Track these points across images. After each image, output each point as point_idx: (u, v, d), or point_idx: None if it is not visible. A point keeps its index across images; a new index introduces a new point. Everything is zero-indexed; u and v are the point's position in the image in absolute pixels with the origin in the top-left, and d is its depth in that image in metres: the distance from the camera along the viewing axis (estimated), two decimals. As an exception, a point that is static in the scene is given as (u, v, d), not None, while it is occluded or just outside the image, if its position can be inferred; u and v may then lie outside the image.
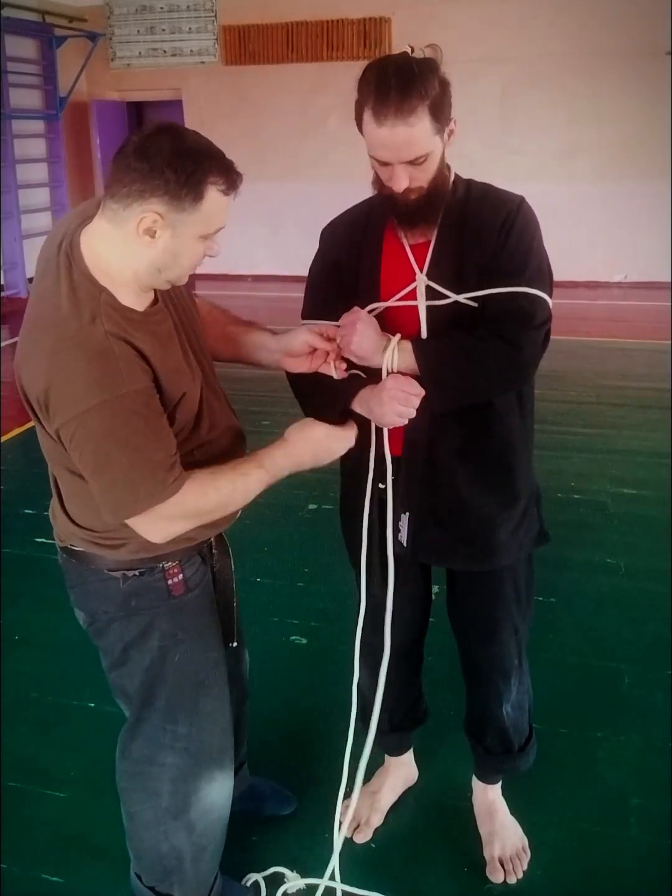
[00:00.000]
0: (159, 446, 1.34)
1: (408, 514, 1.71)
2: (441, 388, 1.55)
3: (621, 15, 8.07)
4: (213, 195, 1.28)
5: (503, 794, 2.06)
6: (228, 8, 9.05)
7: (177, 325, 1.45)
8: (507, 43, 8.43)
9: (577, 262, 8.64)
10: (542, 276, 1.56)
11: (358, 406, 1.58)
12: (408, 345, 1.55)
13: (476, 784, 2.07)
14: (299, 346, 1.60)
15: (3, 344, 7.02)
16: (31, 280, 7.80)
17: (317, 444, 1.54)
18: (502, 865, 1.94)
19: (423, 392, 1.52)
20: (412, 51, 1.47)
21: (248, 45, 9.10)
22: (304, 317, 1.70)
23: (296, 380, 1.67)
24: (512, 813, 2.05)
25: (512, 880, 1.92)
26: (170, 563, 1.53)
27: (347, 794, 1.77)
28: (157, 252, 1.31)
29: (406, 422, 1.55)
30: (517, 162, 8.67)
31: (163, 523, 1.39)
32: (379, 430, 1.62)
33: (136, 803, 1.69)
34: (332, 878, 1.75)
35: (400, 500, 1.70)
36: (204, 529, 1.54)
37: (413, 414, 1.53)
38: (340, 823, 1.79)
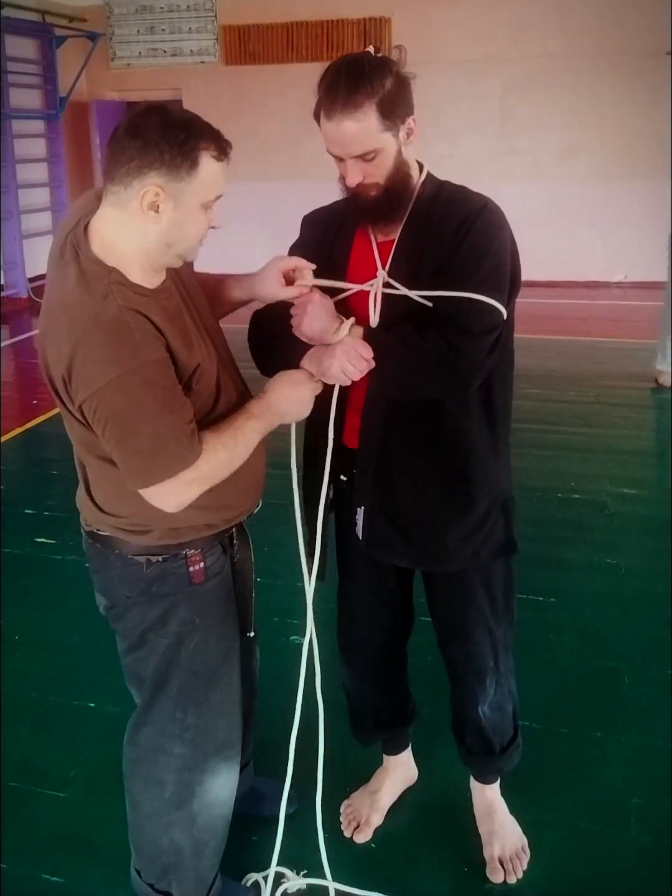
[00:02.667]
0: (180, 414, 1.37)
1: (362, 508, 1.72)
2: (379, 376, 1.56)
3: (621, 15, 8.07)
4: (208, 161, 1.33)
5: (502, 794, 2.06)
6: (228, 8, 9.04)
7: (186, 303, 1.48)
8: (507, 43, 8.43)
9: (577, 262, 8.64)
10: (497, 282, 1.54)
11: (307, 361, 1.59)
12: (359, 330, 1.57)
13: (475, 784, 2.07)
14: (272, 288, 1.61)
15: (2, 344, 7.02)
16: (31, 280, 7.78)
17: (294, 385, 1.55)
18: (502, 865, 1.94)
19: (372, 359, 1.53)
20: (376, 51, 1.49)
21: (248, 45, 9.10)
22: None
23: (254, 341, 1.71)
24: (511, 813, 2.05)
25: (512, 880, 1.93)
26: (192, 551, 1.56)
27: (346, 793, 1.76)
28: (163, 226, 1.35)
29: (348, 381, 1.55)
30: (517, 162, 8.67)
31: (182, 488, 1.41)
32: (336, 424, 1.63)
33: (140, 792, 1.70)
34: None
35: (356, 493, 1.72)
36: (222, 512, 1.57)
37: (357, 376, 1.54)
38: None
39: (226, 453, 1.44)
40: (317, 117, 1.50)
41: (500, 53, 8.48)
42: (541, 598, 3.00)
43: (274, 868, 1.80)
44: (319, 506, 1.68)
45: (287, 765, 1.73)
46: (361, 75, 1.44)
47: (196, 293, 1.55)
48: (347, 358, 1.52)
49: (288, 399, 1.54)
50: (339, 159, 1.52)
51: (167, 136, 1.29)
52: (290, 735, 1.75)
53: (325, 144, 1.51)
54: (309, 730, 1.72)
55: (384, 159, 1.50)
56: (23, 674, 2.69)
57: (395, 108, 1.47)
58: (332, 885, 1.84)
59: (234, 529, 1.67)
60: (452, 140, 8.23)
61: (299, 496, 1.70)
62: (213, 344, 1.52)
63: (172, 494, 1.41)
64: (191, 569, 1.56)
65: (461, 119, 8.40)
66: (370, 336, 1.56)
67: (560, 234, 8.37)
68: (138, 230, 1.35)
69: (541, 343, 6.24)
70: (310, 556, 1.73)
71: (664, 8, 7.48)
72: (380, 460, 1.68)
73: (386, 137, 1.48)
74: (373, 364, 1.53)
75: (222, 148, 1.36)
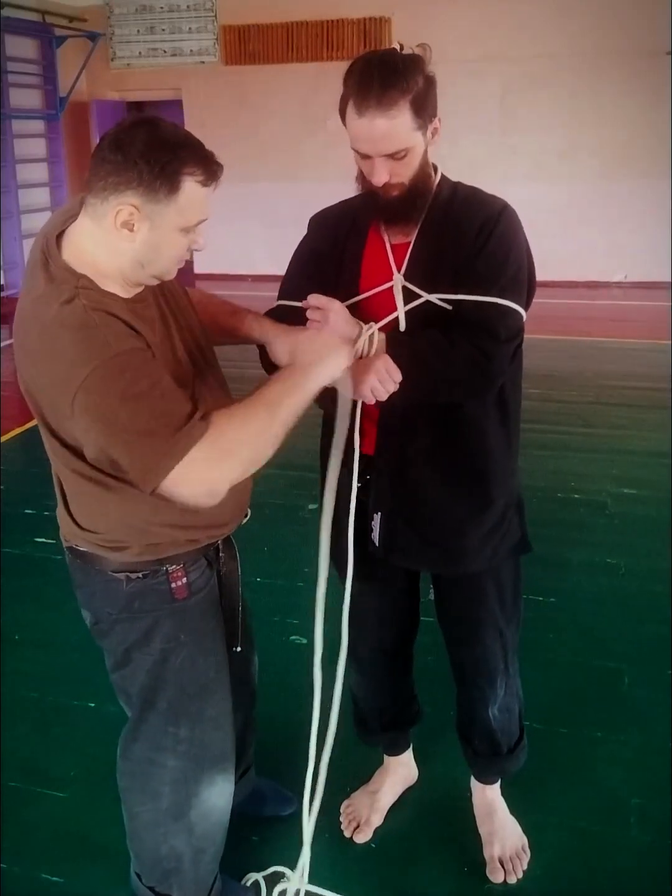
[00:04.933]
0: (171, 398, 1.28)
1: (379, 514, 1.71)
2: (407, 383, 1.52)
3: (621, 15, 8.08)
4: (190, 186, 1.27)
5: (503, 794, 2.06)
6: (228, 8, 9.05)
7: (165, 316, 1.44)
8: (507, 43, 8.44)
9: (577, 262, 8.64)
10: (518, 286, 1.54)
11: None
12: (382, 336, 1.54)
13: (475, 784, 2.07)
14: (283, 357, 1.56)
15: (2, 344, 7.02)
16: (30, 280, 7.60)
17: (313, 337, 1.48)
18: (502, 865, 1.94)
19: (400, 379, 1.49)
20: (401, 48, 1.48)
21: (248, 45, 9.10)
22: (279, 298, 1.69)
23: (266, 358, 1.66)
24: (512, 813, 2.05)
25: (512, 880, 1.92)
26: (173, 567, 1.52)
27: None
28: (137, 245, 1.30)
29: (373, 400, 1.51)
30: (517, 162, 8.68)
31: (205, 471, 1.27)
32: (358, 430, 1.60)
33: (137, 804, 1.69)
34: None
35: (372, 499, 1.70)
36: (205, 531, 1.54)
37: (383, 397, 1.49)
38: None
39: (241, 421, 1.31)
40: (342, 113, 1.47)
41: (500, 53, 8.48)
42: (541, 598, 2.99)
43: (304, 865, 1.76)
44: (349, 515, 1.63)
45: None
46: (395, 71, 1.41)
47: (182, 308, 1.50)
48: (380, 377, 1.48)
49: (311, 350, 1.43)
50: (365, 157, 1.48)
51: (149, 155, 1.23)
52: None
53: (352, 142, 1.48)
54: (307, 730, 1.71)
55: (412, 159, 1.48)
56: (23, 674, 2.69)
57: (426, 107, 1.45)
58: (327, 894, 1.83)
59: (220, 542, 1.63)
60: (452, 140, 8.20)
61: (331, 505, 1.59)
62: (192, 360, 1.46)
63: (196, 482, 1.28)
64: (173, 585, 1.52)
65: (461, 119, 8.39)
66: (397, 341, 1.53)
67: (560, 234, 8.37)
68: (112, 246, 1.31)
69: (541, 343, 6.23)
70: (339, 565, 1.69)
71: (664, 8, 7.49)
72: (397, 465, 1.66)
73: (416, 136, 1.46)
74: (400, 380, 1.49)
75: (211, 172, 1.29)
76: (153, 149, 1.24)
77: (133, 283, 1.37)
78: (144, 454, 1.26)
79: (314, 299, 1.54)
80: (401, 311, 1.56)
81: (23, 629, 2.93)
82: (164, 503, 1.36)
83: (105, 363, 1.23)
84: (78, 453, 1.37)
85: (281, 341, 1.54)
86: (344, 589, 1.66)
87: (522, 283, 1.56)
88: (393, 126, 1.42)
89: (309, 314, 1.56)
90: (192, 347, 1.49)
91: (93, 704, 2.54)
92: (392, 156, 1.46)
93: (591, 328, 7.18)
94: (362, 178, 1.55)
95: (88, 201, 1.31)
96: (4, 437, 4.77)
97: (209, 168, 1.29)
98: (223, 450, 1.29)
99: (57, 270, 1.32)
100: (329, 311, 1.52)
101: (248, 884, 1.91)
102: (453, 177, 1.65)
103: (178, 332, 1.46)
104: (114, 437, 1.27)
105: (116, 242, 1.31)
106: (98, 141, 1.30)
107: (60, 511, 1.55)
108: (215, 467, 1.29)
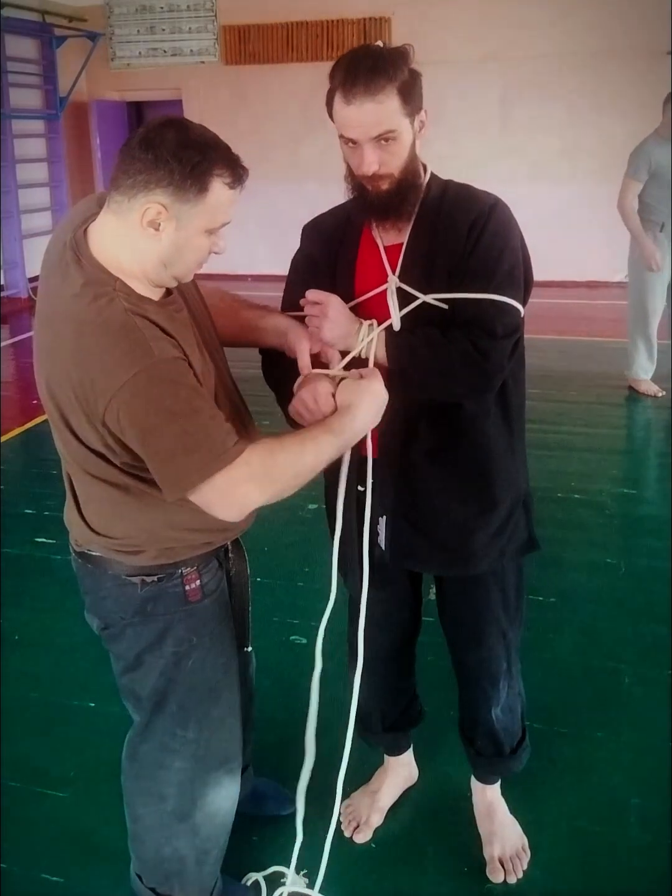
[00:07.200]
0: (210, 412, 1.30)
1: (384, 517, 1.71)
2: (405, 381, 1.53)
3: (621, 15, 8.07)
4: (219, 188, 1.28)
5: (503, 794, 2.06)
6: (228, 8, 9.04)
7: (195, 317, 1.45)
8: (507, 43, 8.43)
9: (577, 262, 8.64)
10: (514, 282, 1.54)
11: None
12: (380, 334, 1.54)
13: (475, 784, 2.07)
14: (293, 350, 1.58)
15: (2, 344, 7.02)
16: (31, 280, 7.70)
17: (375, 397, 1.48)
18: (502, 865, 1.94)
19: (327, 413, 1.48)
20: (384, 45, 1.49)
21: (248, 45, 9.10)
22: (282, 310, 1.70)
23: (270, 374, 1.68)
24: (511, 813, 2.05)
25: (512, 880, 1.92)
26: (188, 569, 1.52)
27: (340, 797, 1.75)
28: (162, 245, 1.30)
29: (302, 419, 1.51)
30: (517, 162, 8.67)
31: (233, 492, 1.32)
32: None
33: (142, 805, 1.69)
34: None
35: (376, 503, 1.69)
36: (221, 533, 1.54)
37: (305, 417, 1.49)
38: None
39: (287, 457, 1.36)
40: (329, 106, 1.48)
41: (500, 53, 8.48)
42: (541, 598, 3.00)
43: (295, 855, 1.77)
44: (337, 516, 1.62)
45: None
46: (381, 59, 1.44)
47: (200, 311, 1.51)
48: (309, 408, 1.48)
49: (367, 414, 1.46)
50: (354, 146, 1.48)
51: (180, 155, 1.24)
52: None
53: (340, 130, 1.48)
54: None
55: (400, 147, 1.48)
56: (23, 674, 2.69)
57: (413, 96, 1.47)
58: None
59: (229, 543, 1.63)
60: (452, 140, 8.22)
61: (342, 510, 1.61)
62: (214, 362, 1.48)
63: (225, 498, 1.32)
64: (186, 587, 1.52)
65: (461, 119, 8.40)
66: (393, 339, 1.54)
67: (560, 234, 8.36)
68: (136, 245, 1.31)
69: (541, 343, 6.23)
70: (344, 569, 1.70)
71: (664, 8, 7.48)
72: (400, 468, 1.66)
73: (404, 122, 1.47)
74: (321, 416, 1.48)
75: (237, 175, 1.30)
76: (184, 148, 1.25)
77: (154, 284, 1.37)
78: (178, 468, 1.29)
79: (312, 294, 1.55)
80: (395, 314, 1.55)
81: (23, 629, 2.93)
82: (183, 507, 1.38)
83: (146, 369, 1.24)
84: (98, 456, 1.37)
85: (297, 332, 1.57)
86: (349, 593, 1.66)
87: (518, 278, 1.55)
88: (381, 109, 1.43)
89: (308, 309, 1.56)
90: (212, 348, 1.49)
91: (93, 704, 2.54)
92: (381, 138, 1.46)
93: (591, 328, 7.18)
94: (352, 176, 1.55)
95: (114, 199, 1.30)
96: (4, 437, 4.77)
97: (236, 171, 1.30)
98: (255, 475, 1.33)
99: (90, 268, 1.31)
100: (328, 307, 1.53)
101: (249, 884, 1.91)
102: (454, 177, 1.65)
103: (201, 336, 1.46)
104: (150, 446, 1.29)
105: (141, 241, 1.30)
106: (126, 140, 1.30)
107: (72, 516, 1.54)
108: (253, 489, 1.34)
